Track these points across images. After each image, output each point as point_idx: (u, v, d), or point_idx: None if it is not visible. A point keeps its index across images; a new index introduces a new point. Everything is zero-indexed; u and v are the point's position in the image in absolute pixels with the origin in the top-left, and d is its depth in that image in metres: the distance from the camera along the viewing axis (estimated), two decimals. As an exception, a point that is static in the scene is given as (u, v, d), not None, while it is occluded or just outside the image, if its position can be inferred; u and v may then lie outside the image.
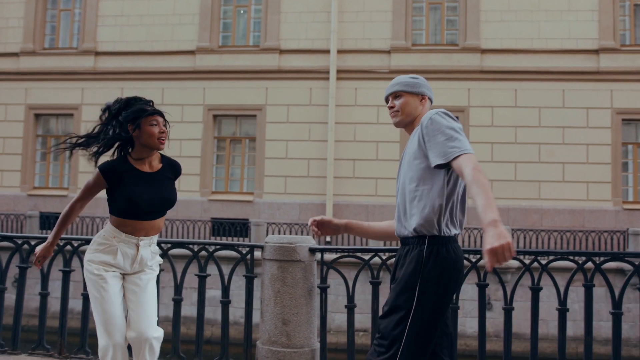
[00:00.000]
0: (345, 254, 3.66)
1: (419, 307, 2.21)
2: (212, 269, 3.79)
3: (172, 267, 3.69)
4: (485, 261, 1.91)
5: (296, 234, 13.68)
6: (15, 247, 4.03)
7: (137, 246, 2.74)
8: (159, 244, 3.24)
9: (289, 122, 14.92)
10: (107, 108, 2.79)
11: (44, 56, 15.99)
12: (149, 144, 2.71)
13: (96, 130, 2.81)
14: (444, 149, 2.18)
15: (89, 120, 15.21)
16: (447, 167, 2.21)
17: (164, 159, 2.89)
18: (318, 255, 3.61)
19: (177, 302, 3.70)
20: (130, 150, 2.77)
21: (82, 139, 2.84)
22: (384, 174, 14.44)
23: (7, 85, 15.97)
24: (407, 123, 2.45)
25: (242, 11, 15.78)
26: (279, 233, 13.72)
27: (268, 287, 3.50)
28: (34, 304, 11.36)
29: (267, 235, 13.48)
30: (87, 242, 3.14)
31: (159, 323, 2.87)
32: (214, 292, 12.09)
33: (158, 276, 3.01)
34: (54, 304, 9.54)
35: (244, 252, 3.60)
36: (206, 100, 15.24)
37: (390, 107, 2.48)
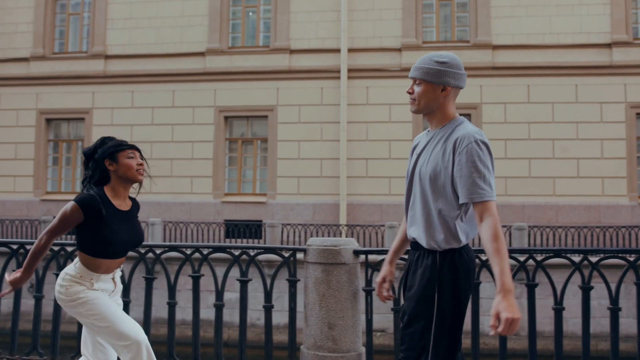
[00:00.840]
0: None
1: (440, 314, 2.19)
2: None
3: (213, 272, 3.64)
4: (494, 323, 1.96)
5: (311, 235, 13.63)
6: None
7: (114, 280, 2.77)
8: (200, 249, 3.17)
9: (300, 123, 14.87)
10: (86, 152, 2.77)
11: (54, 61, 15.98)
12: (128, 175, 2.70)
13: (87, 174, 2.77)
14: (473, 188, 2.12)
15: (100, 124, 15.31)
16: None
17: (131, 197, 2.87)
18: (362, 257, 3.56)
19: (219, 308, 3.65)
20: (104, 185, 2.73)
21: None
22: (397, 172, 14.36)
23: (18, 91, 15.96)
24: (425, 113, 2.34)
25: (250, 13, 15.74)
26: (294, 234, 13.67)
27: (312, 291, 3.45)
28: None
29: (282, 236, 13.45)
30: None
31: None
32: (231, 295, 12.08)
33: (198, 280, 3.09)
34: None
35: (286, 255, 3.54)
36: (217, 101, 15.19)
37: (409, 92, 2.35)
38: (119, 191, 2.72)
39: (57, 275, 3.70)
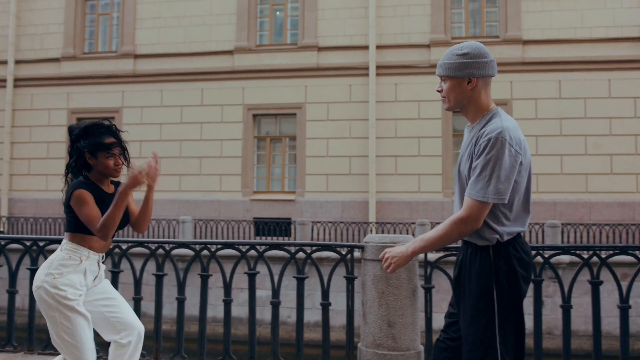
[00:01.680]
0: (450, 252, 3.55)
1: (501, 309, 2.14)
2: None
3: (269, 270, 3.63)
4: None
5: (341, 232, 13.62)
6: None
7: (99, 262, 2.77)
8: (256, 245, 3.18)
9: (329, 120, 14.85)
10: (70, 131, 2.81)
11: (84, 61, 16.17)
12: (105, 173, 2.77)
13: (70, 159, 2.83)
14: (479, 187, 2.10)
15: (129, 122, 15.42)
16: None
17: (113, 181, 2.93)
18: (420, 255, 3.52)
19: (275, 305, 3.64)
20: (87, 173, 2.80)
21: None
22: (427, 169, 14.30)
23: (50, 91, 16.19)
24: (458, 109, 2.28)
25: (277, 12, 15.75)
26: (324, 232, 13.66)
27: (371, 289, 3.42)
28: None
29: (312, 234, 13.44)
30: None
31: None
32: (261, 292, 12.12)
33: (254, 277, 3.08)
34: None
35: (344, 252, 3.52)
36: (245, 99, 15.24)
37: (438, 91, 2.31)
38: (100, 178, 2.79)
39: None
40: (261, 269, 3.69)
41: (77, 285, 2.60)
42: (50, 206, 15.87)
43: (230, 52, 15.35)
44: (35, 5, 16.41)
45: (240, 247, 3.63)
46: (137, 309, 3.86)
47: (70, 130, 2.80)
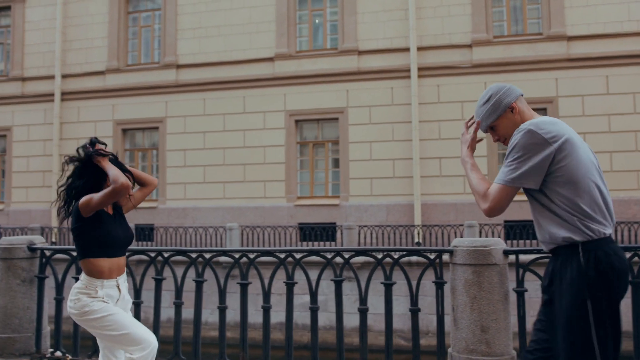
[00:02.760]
0: (543, 255, 3.48)
1: (598, 321, 2.07)
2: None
3: (356, 276, 3.62)
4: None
5: (388, 236, 13.54)
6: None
7: (118, 287, 2.90)
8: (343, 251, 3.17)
9: (371, 124, 14.81)
10: (71, 160, 2.93)
11: (128, 72, 16.49)
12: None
13: (74, 178, 2.92)
14: (504, 173, 2.19)
15: (173, 132, 15.66)
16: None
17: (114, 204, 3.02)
18: (511, 257, 3.47)
19: (363, 312, 3.63)
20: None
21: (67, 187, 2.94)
22: (472, 170, 14.10)
23: (96, 103, 16.55)
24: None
25: (317, 21, 15.80)
26: (372, 236, 13.61)
27: (462, 293, 3.38)
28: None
29: (359, 238, 13.41)
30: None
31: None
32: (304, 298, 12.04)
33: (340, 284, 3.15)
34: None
35: (432, 257, 3.49)
36: (287, 105, 15.32)
37: (495, 141, 2.43)
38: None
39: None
40: (347, 274, 3.67)
41: (96, 302, 2.79)
42: (99, 216, 16.17)
43: (270, 59, 15.46)
44: (80, 21, 16.81)
45: (326, 254, 3.62)
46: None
47: (71, 159, 2.89)
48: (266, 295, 3.73)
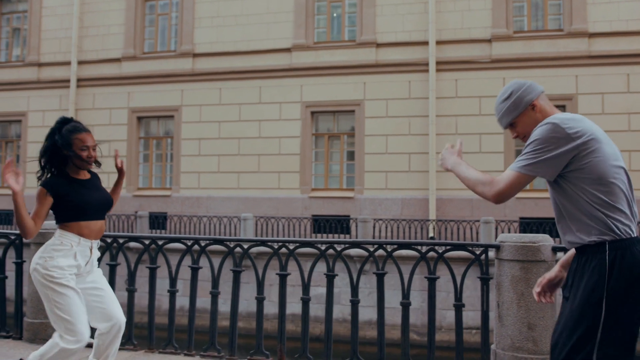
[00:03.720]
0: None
1: (607, 324, 1.99)
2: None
3: (399, 269, 3.58)
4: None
5: (403, 230, 13.49)
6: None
7: (91, 249, 2.99)
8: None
9: (388, 117, 14.73)
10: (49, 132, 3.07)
11: (144, 60, 16.45)
12: (77, 165, 3.02)
13: (42, 151, 3.06)
14: (518, 160, 2.15)
15: (188, 121, 15.63)
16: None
17: (90, 171, 3.21)
18: (559, 254, 3.41)
19: (406, 306, 3.58)
20: (64, 166, 3.05)
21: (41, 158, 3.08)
22: (488, 166, 13.98)
23: (111, 90, 16.53)
24: None
25: (334, 14, 15.69)
26: (386, 229, 13.56)
27: (509, 290, 3.33)
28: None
29: (373, 231, 13.36)
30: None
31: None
32: (321, 290, 12.03)
33: (382, 278, 3.25)
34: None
35: (478, 252, 3.44)
36: (303, 97, 15.25)
37: (515, 137, 2.38)
38: (75, 170, 3.05)
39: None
40: (385, 268, 3.63)
41: (65, 267, 2.85)
42: (119, 203, 16.15)
43: (288, 50, 15.38)
44: (97, 7, 16.77)
45: (368, 246, 3.58)
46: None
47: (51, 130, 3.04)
48: (305, 287, 3.70)
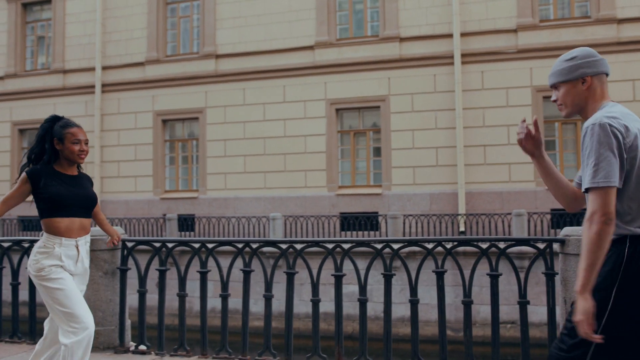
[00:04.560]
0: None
1: (615, 311, 1.94)
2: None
3: (459, 267, 3.50)
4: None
5: (434, 225, 13.37)
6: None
7: (77, 247, 3.03)
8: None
9: (414, 111, 14.59)
10: (41, 126, 3.15)
11: (167, 63, 16.52)
12: (70, 158, 3.09)
13: (34, 144, 3.14)
14: (589, 177, 1.96)
15: (213, 122, 15.65)
16: None
17: (79, 170, 3.27)
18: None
19: (468, 305, 3.50)
20: (53, 161, 3.13)
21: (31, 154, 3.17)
22: (517, 158, 13.81)
23: (136, 94, 16.63)
24: (577, 113, 2.22)
25: (357, 7, 15.59)
26: (417, 225, 13.45)
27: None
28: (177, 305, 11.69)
29: (403, 227, 13.26)
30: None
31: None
32: (352, 288, 12.03)
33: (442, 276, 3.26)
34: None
35: (542, 247, 3.34)
36: (328, 94, 15.18)
37: (554, 101, 2.29)
38: (63, 165, 3.11)
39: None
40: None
41: (51, 265, 2.94)
42: (140, 207, 16.33)
43: (311, 48, 15.32)
44: (119, 13, 16.88)
45: (426, 244, 3.50)
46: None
47: (41, 125, 3.14)
48: (362, 288, 3.64)
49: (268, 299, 3.84)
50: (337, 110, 15.22)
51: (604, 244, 1.90)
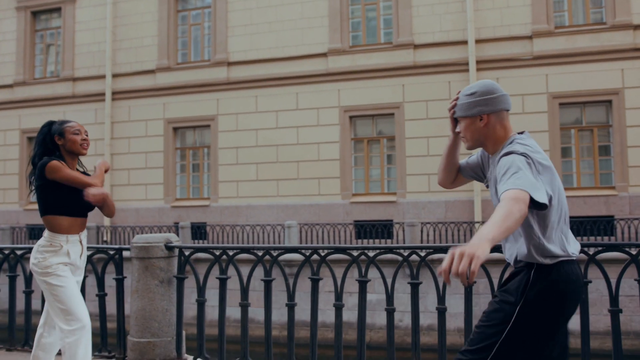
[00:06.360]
0: None
1: (515, 328, 2.01)
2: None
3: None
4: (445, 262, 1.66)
5: (452, 233, 13.24)
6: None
7: (80, 242, 3.11)
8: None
9: (428, 119, 14.49)
10: (38, 133, 3.19)
11: (178, 71, 16.42)
12: (73, 149, 3.10)
13: (36, 149, 3.16)
14: (503, 182, 1.95)
15: (225, 130, 15.54)
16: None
17: (80, 167, 3.29)
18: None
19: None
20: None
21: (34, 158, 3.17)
22: (534, 165, 13.69)
23: (146, 102, 16.52)
24: (478, 146, 2.30)
25: (372, 21, 15.53)
26: (434, 233, 13.32)
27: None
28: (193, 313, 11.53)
29: (421, 235, 13.13)
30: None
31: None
32: (369, 297, 11.87)
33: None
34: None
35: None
36: (341, 101, 15.08)
37: (458, 132, 2.37)
38: (67, 162, 3.12)
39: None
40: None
41: (59, 263, 3.00)
42: (150, 215, 16.18)
43: (324, 55, 15.24)
44: (129, 20, 16.80)
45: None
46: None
47: (40, 133, 3.17)
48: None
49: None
50: (351, 117, 15.12)
51: (518, 221, 1.78)
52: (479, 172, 2.46)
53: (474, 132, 2.25)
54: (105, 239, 15.69)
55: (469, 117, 2.24)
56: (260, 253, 3.68)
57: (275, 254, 3.64)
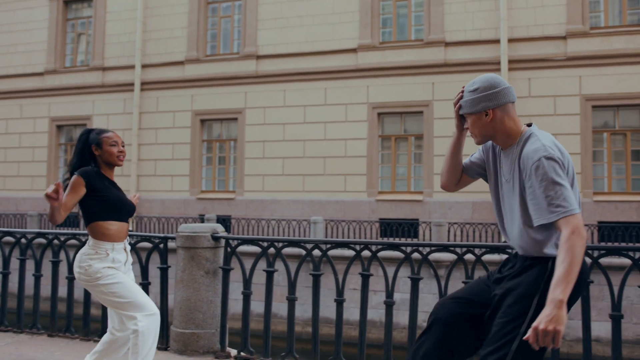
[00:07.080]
0: None
1: (535, 318, 1.98)
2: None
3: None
4: (529, 335, 1.87)
5: (480, 233, 13.09)
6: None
7: (125, 250, 3.07)
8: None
9: (458, 117, 14.32)
10: (77, 140, 3.19)
11: (207, 63, 16.45)
12: (110, 161, 3.09)
13: (74, 158, 3.15)
14: (549, 208, 1.99)
15: (252, 123, 15.56)
16: None
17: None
18: None
19: (587, 314, 3.28)
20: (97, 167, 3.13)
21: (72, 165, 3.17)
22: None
23: (175, 93, 16.59)
24: (487, 141, 2.32)
25: (402, 17, 15.39)
26: (461, 233, 13.19)
27: None
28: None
29: (448, 235, 13.00)
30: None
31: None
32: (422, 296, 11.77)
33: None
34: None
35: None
36: (370, 98, 14.99)
37: (466, 128, 2.37)
38: (105, 171, 3.11)
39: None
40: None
41: (105, 267, 2.94)
42: (176, 206, 16.26)
43: (353, 50, 15.15)
44: (160, 11, 16.87)
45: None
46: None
47: (78, 137, 3.17)
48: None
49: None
50: (379, 114, 15.02)
51: (581, 260, 1.94)
52: (484, 169, 2.45)
53: (482, 128, 2.24)
54: (130, 228, 15.78)
55: (474, 114, 2.24)
56: (309, 247, 3.63)
57: (324, 248, 3.59)
